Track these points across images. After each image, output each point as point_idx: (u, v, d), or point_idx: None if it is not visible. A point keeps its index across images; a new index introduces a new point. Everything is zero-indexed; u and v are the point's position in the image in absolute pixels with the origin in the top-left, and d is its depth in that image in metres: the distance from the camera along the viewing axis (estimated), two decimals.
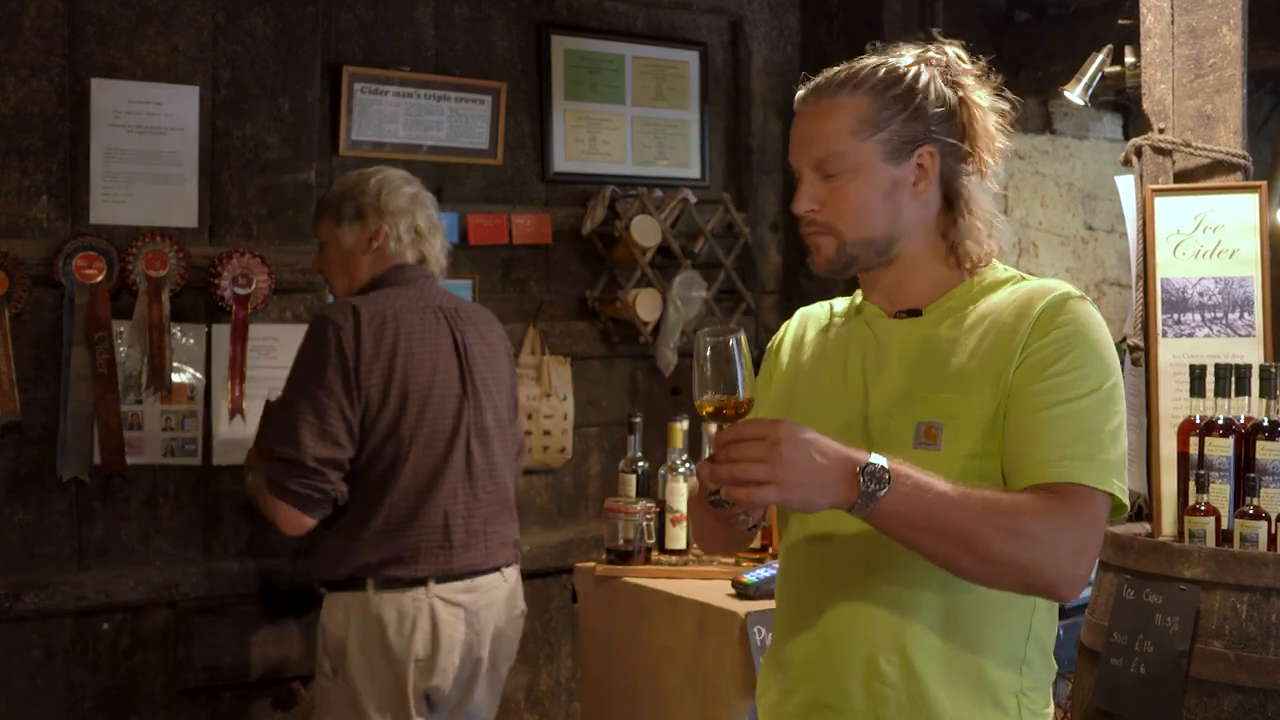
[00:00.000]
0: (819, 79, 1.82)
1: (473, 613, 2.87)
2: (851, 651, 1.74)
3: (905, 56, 1.82)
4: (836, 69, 1.82)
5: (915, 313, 1.80)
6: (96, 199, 3.38)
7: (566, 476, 4.42)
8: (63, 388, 3.31)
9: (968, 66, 1.83)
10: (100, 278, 3.30)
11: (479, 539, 2.90)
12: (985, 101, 1.82)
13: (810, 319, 1.98)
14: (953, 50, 1.84)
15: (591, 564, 3.34)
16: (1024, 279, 1.80)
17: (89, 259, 3.31)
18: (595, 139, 4.43)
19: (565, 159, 4.38)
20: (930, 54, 1.82)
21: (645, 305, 4.34)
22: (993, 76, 1.84)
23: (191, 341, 3.47)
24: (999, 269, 1.82)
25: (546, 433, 4.32)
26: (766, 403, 1.92)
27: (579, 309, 4.42)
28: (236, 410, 3.45)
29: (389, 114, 4.02)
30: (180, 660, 3.46)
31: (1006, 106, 1.84)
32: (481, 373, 2.96)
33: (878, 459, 1.55)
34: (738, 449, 1.53)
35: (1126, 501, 1.68)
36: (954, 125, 1.79)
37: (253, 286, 3.46)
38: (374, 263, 2.94)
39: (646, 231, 4.32)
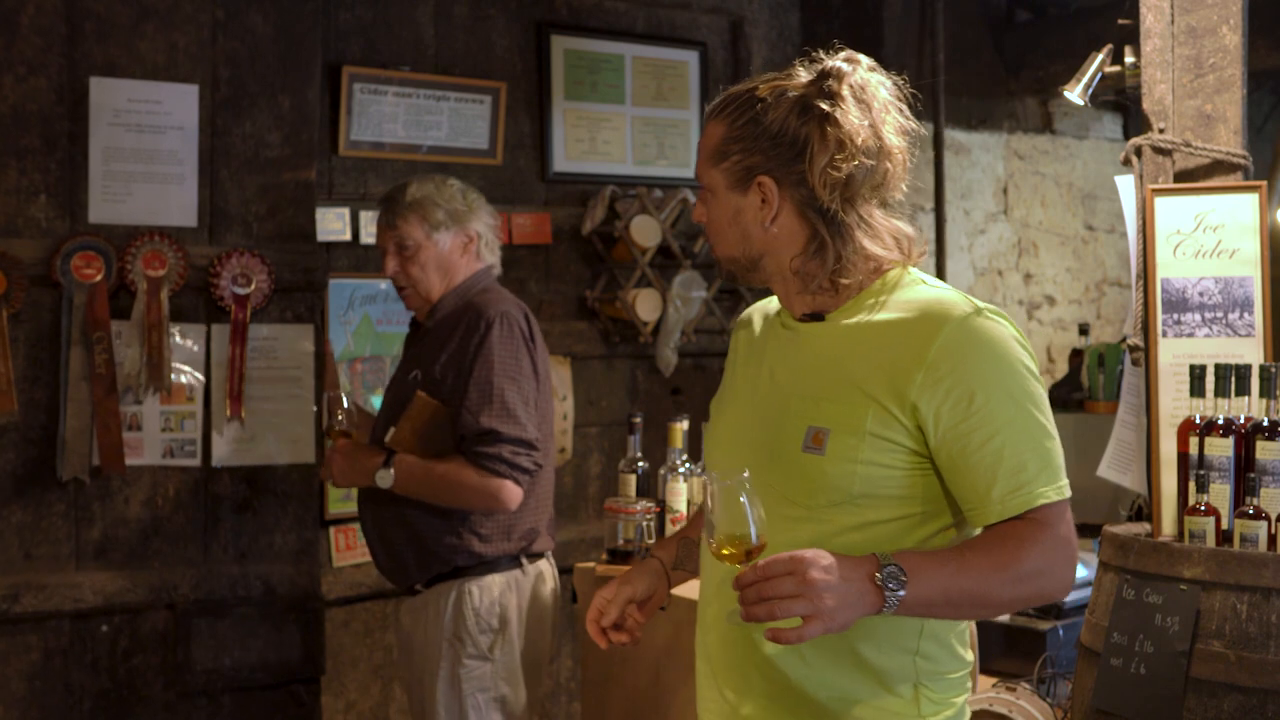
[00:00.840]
0: (717, 98, 1.87)
1: (554, 571, 3.23)
2: (746, 634, 1.81)
3: (799, 74, 1.83)
4: (728, 90, 1.87)
5: (818, 317, 1.85)
6: (95, 198, 3.36)
7: (566, 476, 4.42)
8: (61, 388, 3.30)
9: (874, 78, 1.81)
10: (99, 277, 3.29)
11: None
12: (892, 123, 1.80)
13: (757, 312, 2.04)
14: (861, 70, 1.81)
15: (591, 564, 3.34)
16: (924, 286, 1.81)
17: (87, 258, 3.30)
18: (595, 139, 4.43)
19: (565, 159, 4.38)
20: (830, 69, 1.80)
21: (645, 305, 4.34)
22: (903, 92, 1.83)
23: (191, 342, 3.44)
24: (904, 274, 1.84)
25: None
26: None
27: (579, 309, 4.42)
28: (235, 413, 3.43)
29: (389, 114, 4.02)
30: (179, 663, 3.44)
31: (913, 126, 1.83)
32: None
33: (888, 562, 1.62)
34: (769, 587, 1.57)
35: (1068, 492, 1.76)
36: (802, 156, 1.77)
37: (252, 286, 3.44)
38: (467, 265, 3.13)
39: (646, 231, 4.32)
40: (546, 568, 3.17)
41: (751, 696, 1.84)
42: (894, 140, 1.79)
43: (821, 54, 1.83)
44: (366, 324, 4.00)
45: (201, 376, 3.45)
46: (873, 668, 1.78)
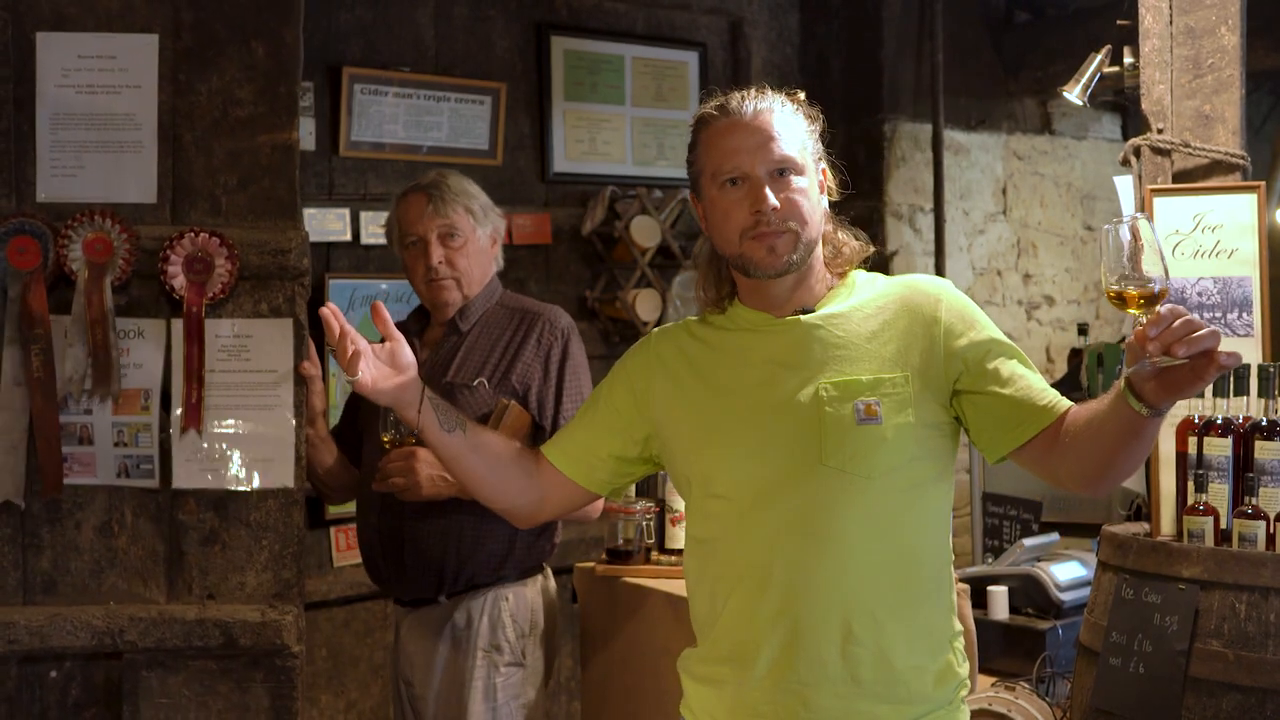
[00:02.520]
0: (745, 95, 2.03)
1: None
2: (824, 622, 1.90)
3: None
4: (748, 90, 2.04)
5: (807, 311, 2.01)
6: (44, 173, 2.87)
7: None
8: None
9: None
10: (35, 265, 2.78)
11: None
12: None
13: (666, 339, 2.13)
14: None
15: (591, 564, 3.35)
16: (882, 277, 2.08)
17: (24, 243, 2.80)
18: (595, 139, 4.44)
19: (565, 159, 4.39)
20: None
21: (645, 305, 4.34)
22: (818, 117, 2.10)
23: (147, 340, 2.91)
24: (860, 274, 2.08)
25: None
26: (667, 415, 2.09)
27: (579, 309, 4.43)
28: (193, 423, 2.87)
29: (389, 114, 4.02)
30: None
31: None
32: None
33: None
34: (1187, 323, 1.63)
35: None
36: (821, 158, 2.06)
37: (211, 272, 2.86)
38: (492, 264, 3.09)
39: (646, 231, 4.33)
40: (550, 570, 3.18)
41: (838, 685, 1.92)
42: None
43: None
44: (367, 325, 4.00)
45: (159, 381, 2.94)
46: (934, 629, 1.97)
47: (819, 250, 2.04)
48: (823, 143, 2.06)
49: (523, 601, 2.97)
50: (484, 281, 3.04)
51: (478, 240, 3.02)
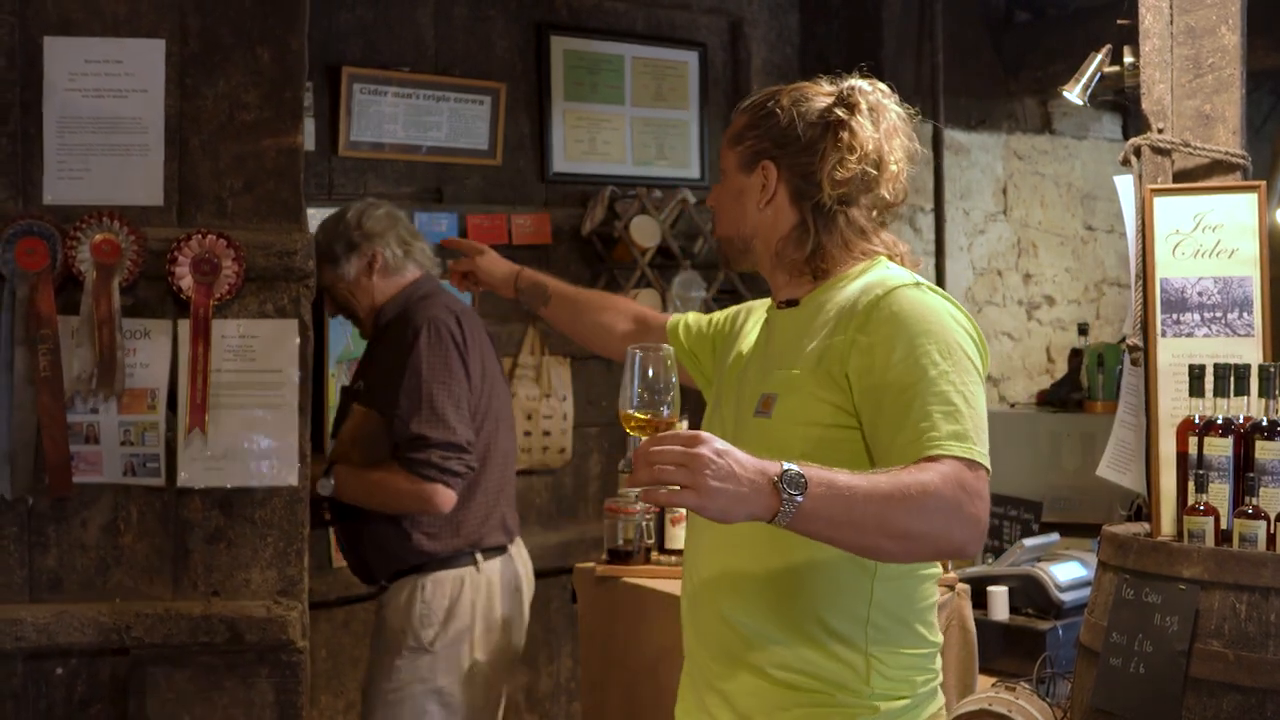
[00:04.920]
0: (751, 94, 2.12)
1: (527, 568, 3.35)
2: (706, 608, 2.01)
3: (823, 84, 2.06)
4: (763, 88, 2.13)
5: (794, 303, 2.05)
6: (51, 175, 2.92)
7: (566, 476, 4.42)
8: (4, 394, 2.87)
9: (889, 102, 2.03)
10: (43, 266, 2.84)
11: (515, 507, 3.37)
12: (898, 144, 2.01)
13: (747, 309, 2.29)
14: (878, 94, 2.03)
15: (591, 564, 3.35)
16: (883, 269, 1.99)
17: (32, 244, 2.84)
18: (595, 139, 4.44)
19: (565, 159, 4.39)
20: (853, 85, 2.03)
21: (645, 305, 4.34)
22: (911, 119, 2.06)
23: (153, 340, 2.94)
24: (873, 264, 2.01)
25: (546, 433, 4.33)
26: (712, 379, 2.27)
27: None
28: (197, 423, 2.88)
29: (389, 114, 4.02)
30: (133, 718, 2.91)
31: (917, 149, 2.06)
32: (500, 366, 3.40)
33: (790, 466, 1.64)
34: (658, 454, 1.61)
35: (986, 463, 1.81)
36: (809, 152, 1.99)
37: (218, 274, 2.90)
38: (382, 282, 3.26)
39: (646, 232, 4.33)
40: (508, 563, 3.26)
41: (713, 655, 2.00)
42: (895, 157, 2.00)
43: (845, 75, 2.05)
44: None
45: (166, 381, 2.92)
46: (823, 633, 1.90)
47: (766, 255, 2.05)
48: (804, 147, 1.99)
49: (439, 589, 3.14)
50: (374, 301, 3.27)
51: (344, 279, 3.26)
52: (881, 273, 1.97)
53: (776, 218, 2.03)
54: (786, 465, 1.64)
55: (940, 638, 2.04)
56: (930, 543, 1.75)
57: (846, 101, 1.99)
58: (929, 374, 1.80)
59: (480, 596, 3.17)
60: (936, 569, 2.05)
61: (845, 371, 1.86)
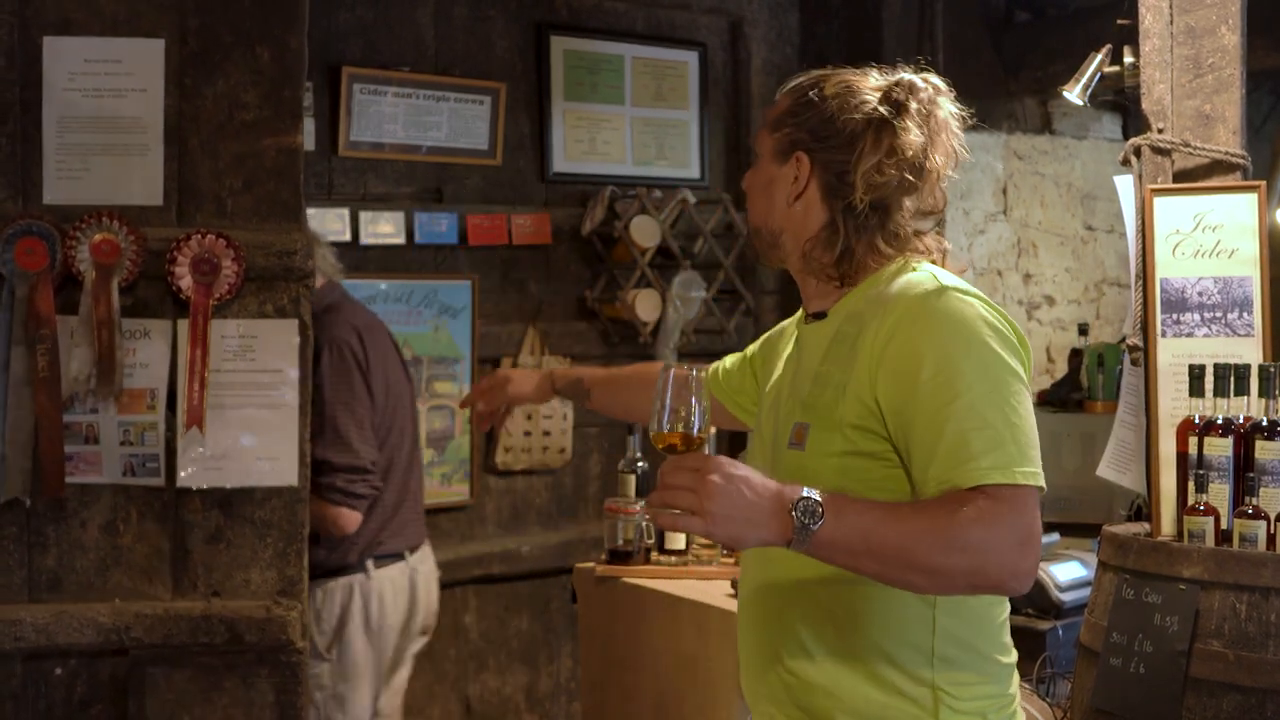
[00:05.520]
0: (796, 75, 1.96)
1: (428, 578, 3.37)
2: (763, 649, 1.89)
3: (873, 76, 1.90)
4: (809, 70, 1.96)
5: (821, 315, 1.90)
6: (50, 175, 2.90)
7: (566, 477, 4.42)
8: (1, 394, 2.84)
9: (943, 101, 1.88)
10: (42, 266, 2.82)
11: (422, 514, 3.41)
12: (944, 145, 1.88)
13: (780, 330, 2.16)
14: (931, 91, 1.88)
15: (591, 564, 3.34)
16: (912, 273, 1.83)
17: (31, 244, 2.82)
18: (595, 139, 4.44)
19: (565, 159, 4.39)
20: (904, 81, 1.87)
21: (645, 305, 4.34)
22: (962, 113, 1.91)
23: (153, 340, 2.92)
24: (904, 267, 1.86)
25: (546, 433, 4.33)
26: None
27: (578, 309, 4.43)
28: (196, 423, 2.86)
29: (389, 114, 4.02)
30: (132, 718, 2.90)
31: (965, 154, 1.92)
32: (405, 373, 3.45)
33: (810, 492, 1.58)
34: (671, 476, 1.59)
35: (1041, 483, 1.66)
36: (849, 148, 1.84)
37: (218, 274, 2.89)
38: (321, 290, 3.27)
39: (646, 232, 4.33)
40: (403, 570, 3.29)
41: (769, 695, 1.87)
42: (940, 161, 1.87)
43: (901, 68, 1.90)
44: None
45: (165, 381, 2.91)
46: (886, 671, 1.76)
47: (794, 252, 1.91)
48: (844, 140, 1.85)
49: (328, 599, 3.21)
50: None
51: None
52: (907, 278, 1.81)
53: (806, 214, 1.88)
54: (806, 492, 1.58)
55: (1014, 655, 1.86)
56: (963, 579, 1.64)
57: (894, 99, 1.84)
58: (961, 395, 1.66)
59: (373, 603, 3.22)
60: None
61: (875, 395, 1.72)
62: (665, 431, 1.70)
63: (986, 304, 1.76)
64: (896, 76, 1.87)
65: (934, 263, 1.88)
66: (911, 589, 1.68)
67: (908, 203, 1.87)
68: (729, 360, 2.37)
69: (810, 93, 1.88)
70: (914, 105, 1.84)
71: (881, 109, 1.83)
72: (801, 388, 1.85)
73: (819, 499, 1.57)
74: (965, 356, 1.69)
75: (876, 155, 1.82)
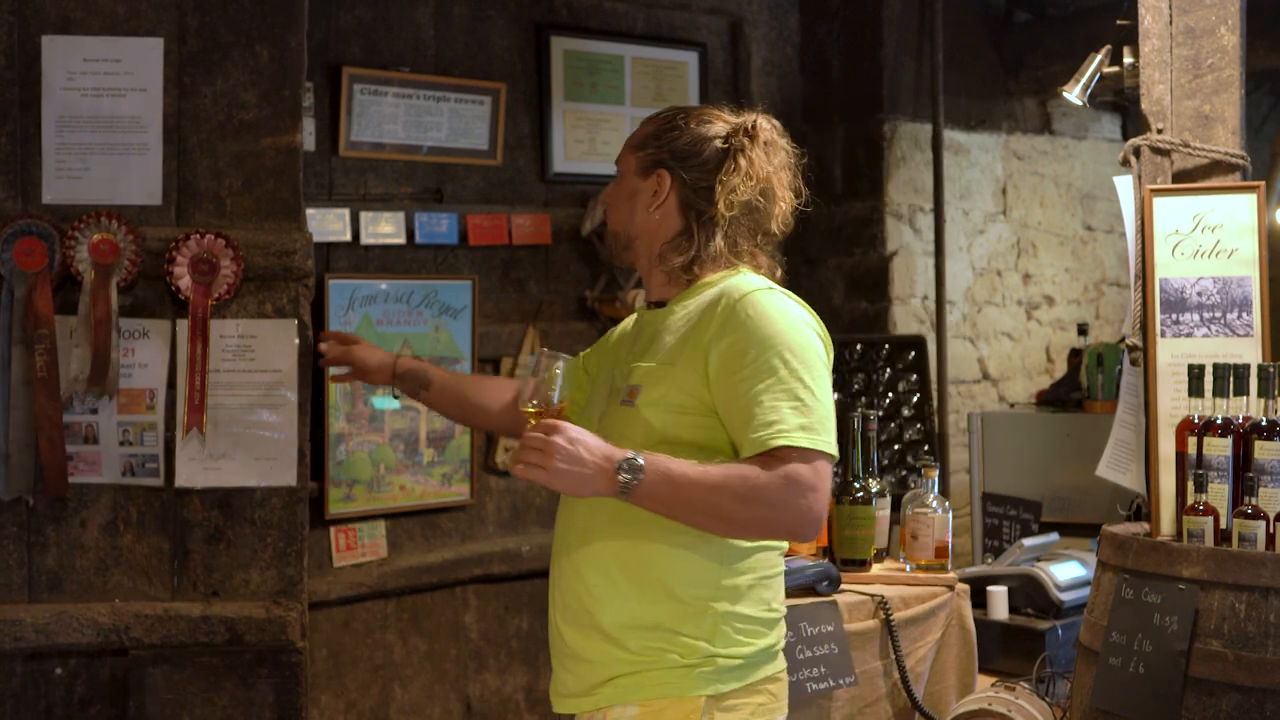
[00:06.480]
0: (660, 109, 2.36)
1: None
2: (570, 565, 2.22)
3: (726, 112, 2.28)
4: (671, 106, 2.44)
5: (661, 304, 2.26)
6: (49, 175, 2.90)
7: None
8: (1, 394, 2.84)
9: (783, 142, 2.26)
10: (41, 266, 2.83)
11: None
12: (785, 179, 2.24)
13: (617, 327, 2.47)
14: (774, 131, 2.25)
15: None
16: (742, 277, 2.19)
17: (30, 244, 2.83)
18: (595, 139, 4.44)
19: (565, 159, 4.39)
20: (756, 122, 2.23)
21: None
22: (798, 157, 2.28)
23: (152, 340, 2.93)
24: (738, 273, 2.20)
25: None
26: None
27: (578, 309, 4.43)
28: (196, 423, 2.87)
29: (389, 115, 4.02)
30: (132, 718, 2.90)
31: (800, 188, 2.27)
32: None
33: (633, 454, 1.98)
34: (527, 437, 1.99)
35: (834, 451, 2.06)
36: (707, 168, 2.20)
37: (217, 273, 2.90)
38: None
39: None
40: None
41: (570, 621, 2.20)
42: (782, 193, 2.23)
43: (746, 110, 2.29)
44: (367, 324, 4.01)
45: (164, 381, 2.91)
46: (669, 597, 2.10)
47: (646, 254, 2.25)
48: (701, 163, 2.21)
49: None
50: None
51: None
52: (738, 279, 2.17)
53: (663, 222, 2.23)
54: (631, 453, 1.97)
55: (783, 609, 2.22)
56: (757, 527, 2.06)
57: (748, 131, 2.21)
58: (779, 372, 2.04)
59: None
60: (782, 544, 2.23)
61: (707, 370, 2.08)
62: (530, 402, 2.09)
63: (800, 303, 2.16)
64: (746, 115, 2.25)
65: (762, 273, 2.23)
66: (716, 532, 2.07)
67: (748, 222, 2.21)
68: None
69: (674, 120, 2.25)
70: (763, 138, 2.21)
71: (737, 137, 2.20)
72: (637, 357, 2.20)
73: (639, 459, 1.97)
74: (783, 345, 2.06)
75: (732, 176, 2.18)
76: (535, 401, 2.09)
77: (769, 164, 2.21)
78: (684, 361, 2.11)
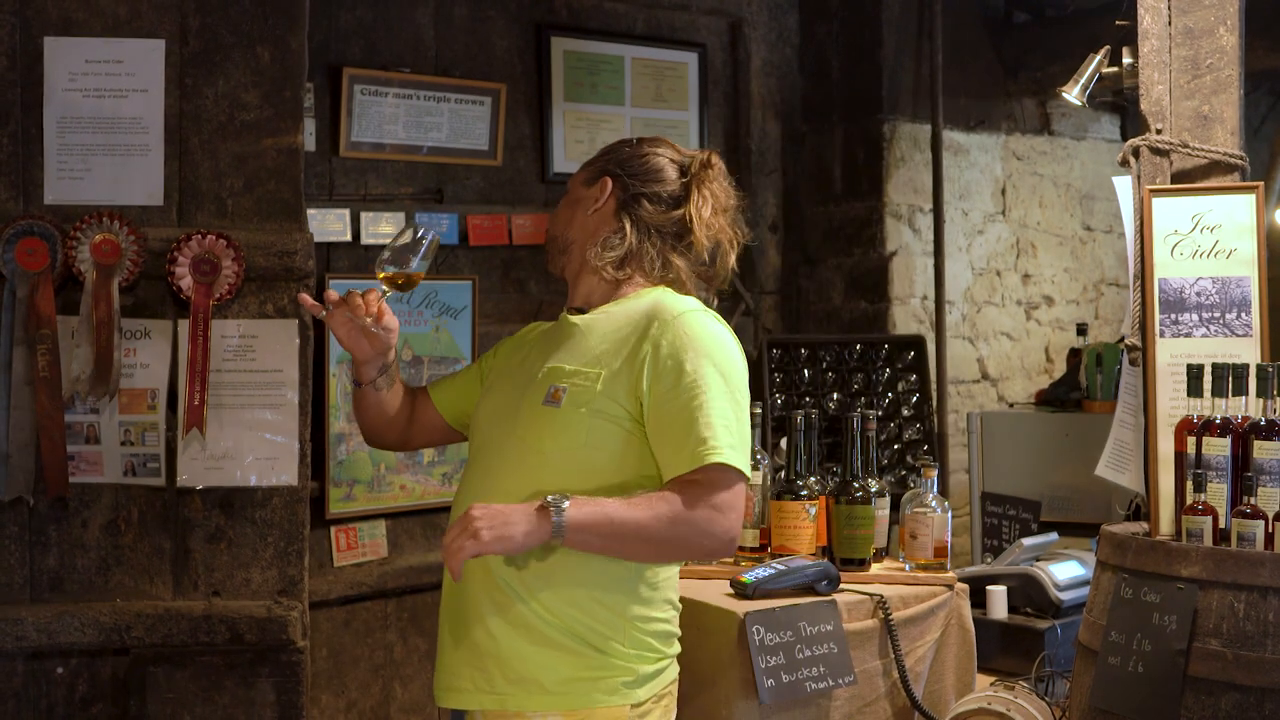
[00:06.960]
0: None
1: None
2: (475, 586, 2.18)
3: (666, 147, 2.40)
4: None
5: (583, 310, 2.32)
6: (51, 175, 2.92)
7: None
8: (2, 394, 2.84)
9: (727, 182, 2.37)
10: (43, 266, 2.84)
11: None
12: (727, 214, 2.35)
13: (538, 325, 2.51)
14: (718, 164, 2.37)
15: None
16: (670, 295, 2.25)
17: (32, 244, 2.84)
18: (595, 140, 4.44)
19: (565, 160, 4.39)
20: (711, 156, 2.36)
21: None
22: (737, 192, 2.39)
23: (153, 340, 2.94)
24: (662, 290, 2.28)
25: None
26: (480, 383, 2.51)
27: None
28: (197, 423, 2.88)
29: (389, 115, 4.03)
30: (134, 718, 2.91)
31: (741, 225, 2.39)
32: None
33: (554, 496, 2.04)
34: (446, 538, 2.04)
35: (747, 470, 2.12)
36: (645, 177, 2.31)
37: (218, 274, 2.91)
38: None
39: None
40: None
41: (482, 620, 2.17)
42: (718, 221, 2.31)
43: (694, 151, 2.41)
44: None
45: (165, 381, 2.93)
46: (588, 599, 2.13)
47: (579, 257, 2.32)
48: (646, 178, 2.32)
49: None
50: None
51: None
52: (671, 297, 2.24)
53: (601, 222, 2.30)
54: (552, 496, 2.04)
55: (677, 607, 2.29)
56: (684, 548, 2.13)
57: (703, 163, 2.33)
58: (714, 390, 2.11)
59: None
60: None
61: (641, 383, 2.13)
62: (386, 265, 2.22)
63: (725, 324, 2.24)
64: (703, 152, 2.37)
65: (680, 287, 2.31)
66: (645, 561, 2.14)
67: (681, 245, 2.30)
68: (451, 378, 2.61)
69: (623, 148, 2.37)
70: (714, 172, 2.33)
71: (691, 165, 2.33)
72: (562, 358, 2.23)
73: (563, 497, 2.04)
74: (712, 366, 2.13)
75: (693, 207, 2.29)
76: (393, 266, 2.19)
77: (710, 194, 2.32)
78: (617, 370, 2.16)
